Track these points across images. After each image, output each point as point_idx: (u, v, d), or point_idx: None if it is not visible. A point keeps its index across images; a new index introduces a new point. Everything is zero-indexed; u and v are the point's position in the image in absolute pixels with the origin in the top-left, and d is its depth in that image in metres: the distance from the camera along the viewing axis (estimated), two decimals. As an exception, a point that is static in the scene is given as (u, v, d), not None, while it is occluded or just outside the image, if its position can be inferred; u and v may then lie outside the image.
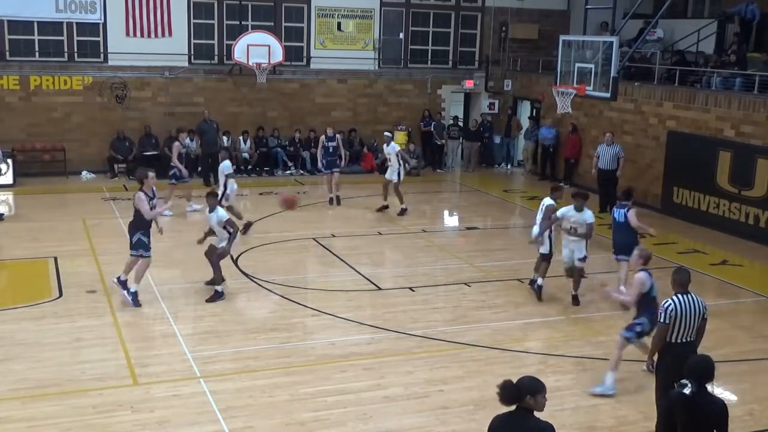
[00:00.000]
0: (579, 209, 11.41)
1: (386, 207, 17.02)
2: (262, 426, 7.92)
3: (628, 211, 11.91)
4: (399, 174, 16.76)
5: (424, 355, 9.80)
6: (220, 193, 14.29)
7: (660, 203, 18.15)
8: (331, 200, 17.81)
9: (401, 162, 16.79)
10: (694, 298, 7.59)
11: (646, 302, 8.79)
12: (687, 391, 5.78)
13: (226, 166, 15.05)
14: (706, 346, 10.21)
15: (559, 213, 11.48)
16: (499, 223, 17.37)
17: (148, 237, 11.09)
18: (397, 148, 17.05)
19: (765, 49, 18.22)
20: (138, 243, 11.05)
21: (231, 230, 11.46)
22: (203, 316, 10.96)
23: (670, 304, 7.49)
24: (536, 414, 5.19)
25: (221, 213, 11.61)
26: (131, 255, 11.12)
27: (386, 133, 17.59)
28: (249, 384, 8.78)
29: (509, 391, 5.14)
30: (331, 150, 17.75)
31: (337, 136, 18.10)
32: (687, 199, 17.36)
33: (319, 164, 18.22)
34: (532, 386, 5.17)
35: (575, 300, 11.76)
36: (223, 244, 11.54)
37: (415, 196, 19.81)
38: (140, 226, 11.05)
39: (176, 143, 16.96)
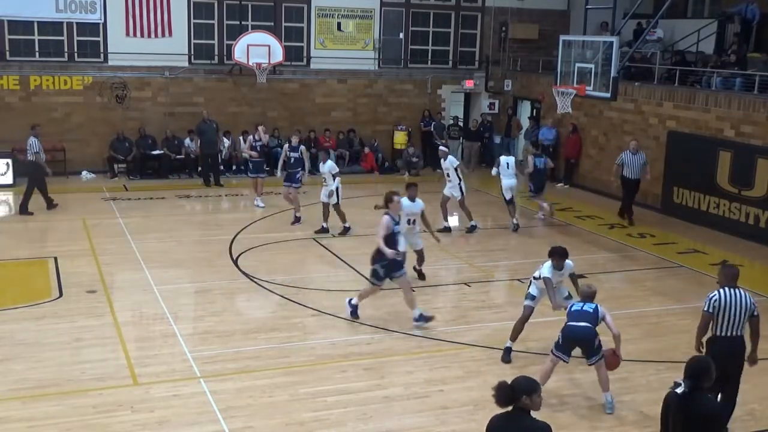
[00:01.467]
0: (559, 268, 9.72)
1: (449, 229, 15.82)
2: (262, 426, 7.92)
3: (546, 159, 17.04)
4: (461, 189, 15.57)
5: (424, 355, 9.80)
6: (332, 190, 14.94)
7: (660, 203, 18.16)
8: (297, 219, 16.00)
9: (461, 176, 15.64)
10: (742, 293, 7.71)
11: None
12: (679, 390, 5.77)
13: (331, 165, 15.23)
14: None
15: (540, 274, 9.77)
16: (499, 223, 17.35)
17: (385, 268, 10.54)
18: (456, 162, 15.83)
19: (765, 49, 18.21)
20: (373, 273, 10.70)
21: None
22: (203, 316, 10.96)
23: (715, 294, 7.67)
24: (533, 413, 5.19)
25: (420, 202, 12.31)
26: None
27: (442, 148, 16.43)
28: (249, 384, 8.77)
29: (504, 393, 5.14)
30: (292, 161, 15.96)
31: (302, 147, 16.24)
32: (687, 199, 17.35)
33: (279, 173, 16.48)
34: (527, 386, 5.17)
35: None
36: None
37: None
38: (381, 256, 10.48)
39: (250, 137, 17.81)
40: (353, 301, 10.91)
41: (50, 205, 16.62)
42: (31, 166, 16.45)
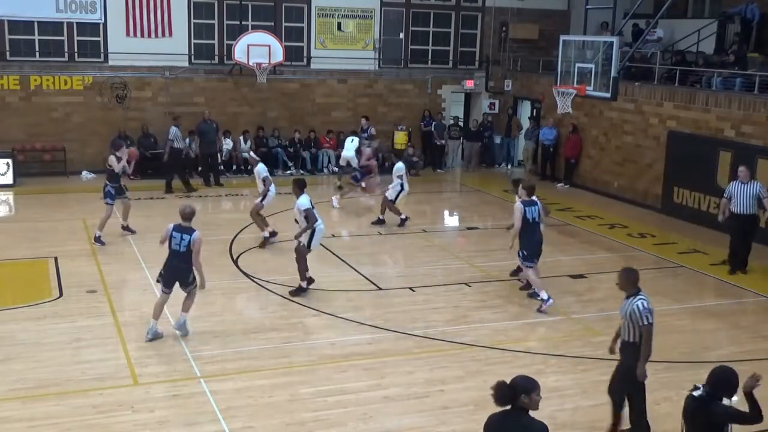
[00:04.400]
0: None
1: (274, 234, 14.67)
2: (262, 426, 7.91)
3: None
4: (266, 196, 14.33)
5: (424, 355, 9.79)
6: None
7: (660, 203, 18.16)
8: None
9: (270, 188, 14.37)
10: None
11: None
12: (696, 393, 5.71)
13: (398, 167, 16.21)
14: (706, 345, 10.28)
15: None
16: (499, 223, 17.33)
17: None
18: (265, 173, 14.43)
19: (765, 49, 18.22)
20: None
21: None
22: (203, 316, 10.95)
23: (649, 302, 7.27)
24: (531, 413, 5.19)
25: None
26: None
27: (251, 154, 15.39)
28: (249, 384, 8.77)
29: (503, 392, 5.14)
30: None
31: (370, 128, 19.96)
32: (687, 199, 17.36)
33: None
34: (525, 385, 5.17)
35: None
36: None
37: (415, 196, 19.82)
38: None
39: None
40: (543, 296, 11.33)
41: (188, 187, 18.88)
42: (170, 153, 18.85)
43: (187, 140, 20.75)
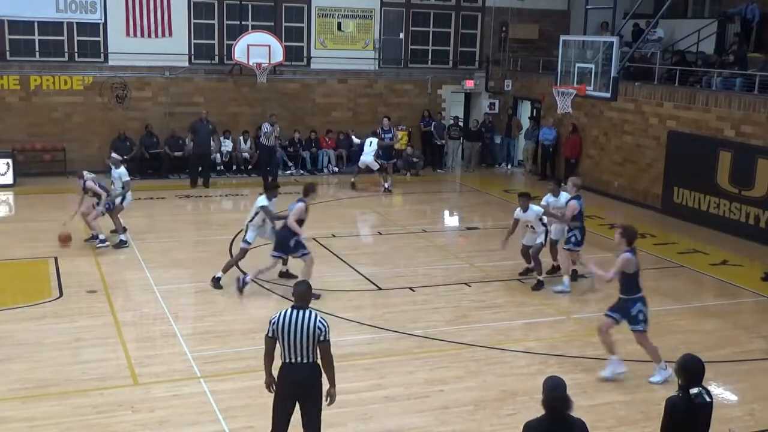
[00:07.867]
0: (556, 195, 12.74)
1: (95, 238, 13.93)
2: (262, 426, 7.89)
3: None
4: (123, 198, 14.26)
5: (424, 355, 9.79)
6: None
7: (660, 203, 18.16)
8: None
9: (126, 190, 14.21)
10: (308, 314, 6.83)
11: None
12: (707, 398, 5.68)
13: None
14: (706, 345, 10.28)
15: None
16: (499, 223, 17.31)
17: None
18: (127, 176, 14.26)
19: (765, 49, 18.22)
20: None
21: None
22: (203, 316, 10.96)
23: (274, 315, 6.88)
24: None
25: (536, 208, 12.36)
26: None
27: (114, 155, 14.84)
28: (249, 384, 8.75)
29: (568, 400, 5.16)
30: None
31: (393, 128, 20.56)
32: (687, 199, 17.36)
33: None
34: (565, 386, 5.24)
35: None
36: (540, 239, 12.46)
37: (415, 196, 19.86)
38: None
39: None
40: None
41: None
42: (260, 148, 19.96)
43: (188, 139, 20.72)
